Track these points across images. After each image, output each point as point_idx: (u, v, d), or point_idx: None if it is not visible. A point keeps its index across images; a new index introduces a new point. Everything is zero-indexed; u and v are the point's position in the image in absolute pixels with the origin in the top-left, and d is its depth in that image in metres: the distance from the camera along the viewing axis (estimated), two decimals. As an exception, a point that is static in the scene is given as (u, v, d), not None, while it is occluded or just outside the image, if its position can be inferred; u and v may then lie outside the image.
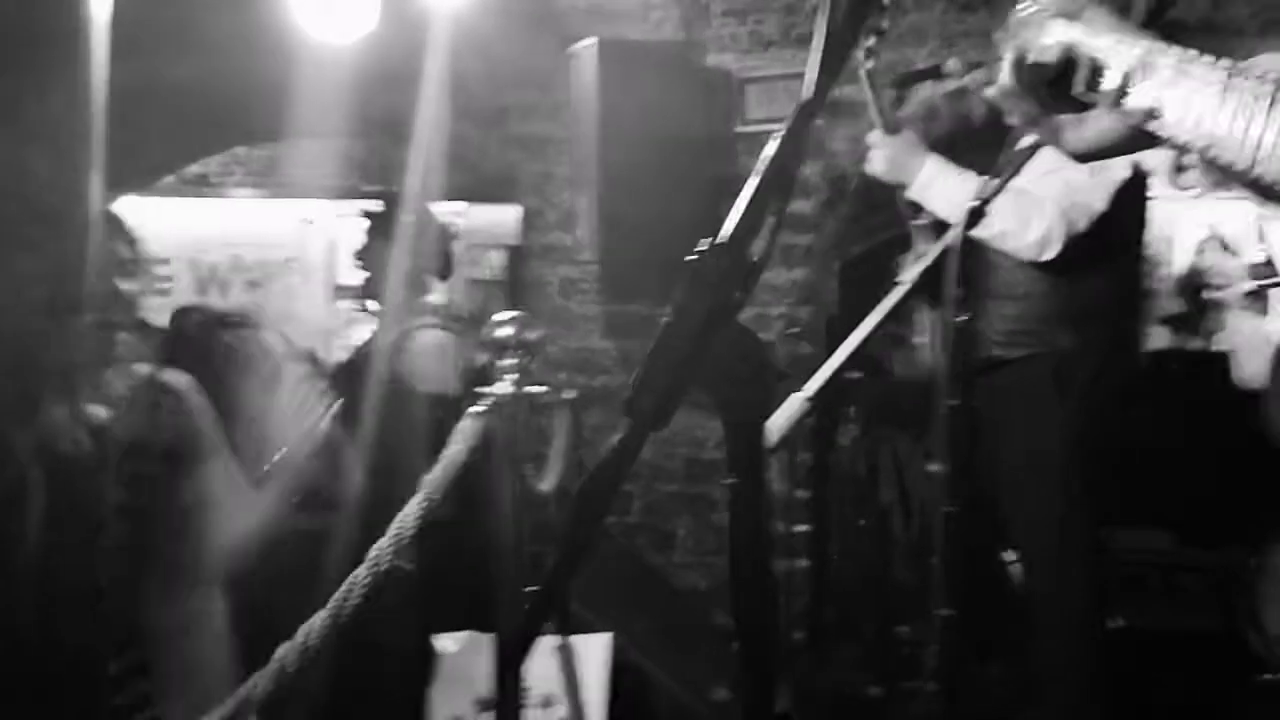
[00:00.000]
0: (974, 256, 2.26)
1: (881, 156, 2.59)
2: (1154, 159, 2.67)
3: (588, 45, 3.59)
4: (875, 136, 2.61)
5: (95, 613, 1.72)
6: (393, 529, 1.82)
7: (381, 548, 1.76)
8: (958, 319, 1.93)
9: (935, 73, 3.34)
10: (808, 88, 0.83)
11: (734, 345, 0.88)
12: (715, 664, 3.14)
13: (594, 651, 2.40)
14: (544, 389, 2.26)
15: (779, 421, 1.87)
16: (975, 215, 2.02)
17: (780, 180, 0.86)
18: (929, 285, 2.52)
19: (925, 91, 3.67)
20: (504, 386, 2.18)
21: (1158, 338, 3.71)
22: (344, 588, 1.70)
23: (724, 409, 0.89)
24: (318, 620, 1.65)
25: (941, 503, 2.12)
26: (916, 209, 2.65)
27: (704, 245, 0.87)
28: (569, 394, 3.63)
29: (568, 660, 1.06)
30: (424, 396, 2.99)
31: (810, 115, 0.85)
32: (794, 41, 3.69)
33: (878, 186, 3.41)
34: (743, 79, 3.76)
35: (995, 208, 2.29)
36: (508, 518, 2.07)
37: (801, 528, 3.60)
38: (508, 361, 2.20)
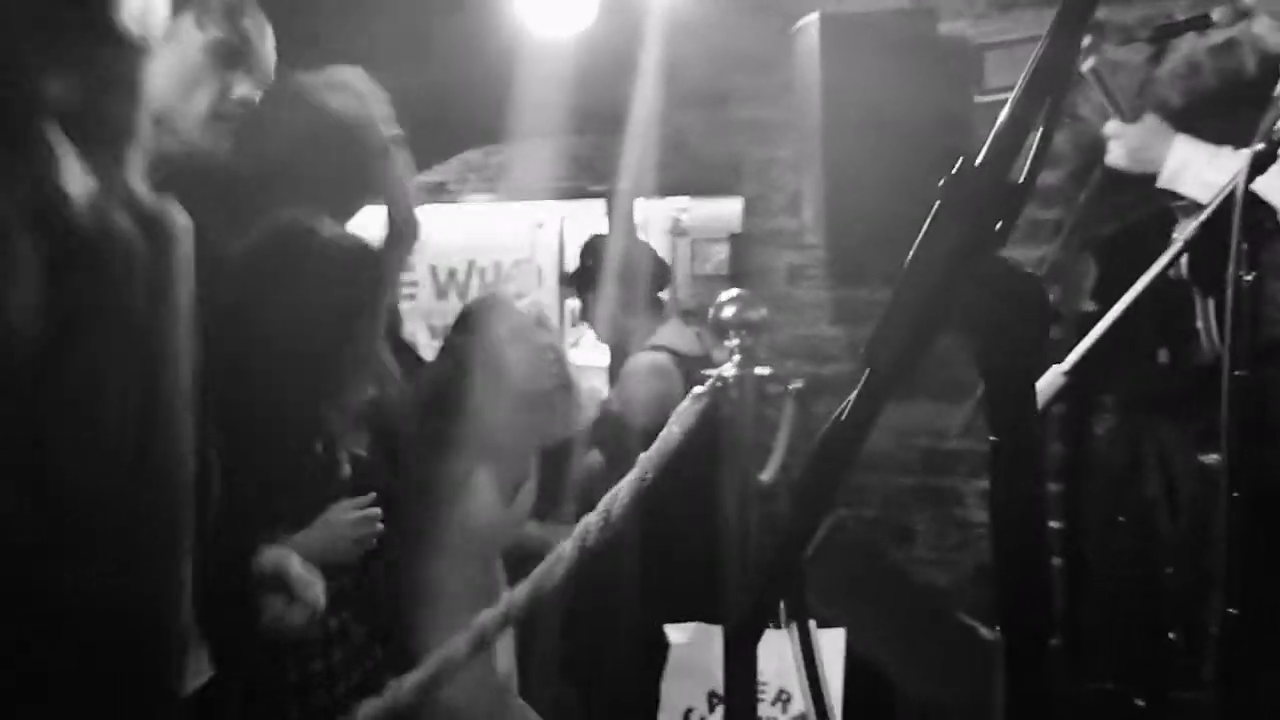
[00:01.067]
0: (1256, 211, 2.00)
1: (1121, 147, 2.34)
2: None
3: (809, 21, 3.46)
4: (1113, 126, 2.35)
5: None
6: (601, 507, 1.78)
7: (589, 523, 1.73)
8: (1244, 276, 1.71)
9: (1199, 23, 3.02)
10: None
11: (995, 282, 0.75)
12: (956, 663, 2.96)
13: (829, 646, 2.28)
14: (769, 370, 2.17)
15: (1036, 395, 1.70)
16: (1262, 160, 1.78)
17: (1049, 86, 0.73)
18: (1204, 258, 2.26)
19: (1186, 46, 3.34)
20: (728, 368, 2.10)
21: None
22: (549, 561, 1.67)
23: (983, 357, 0.77)
24: (520, 591, 1.63)
25: (1223, 493, 1.89)
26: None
27: (957, 166, 0.75)
28: (796, 383, 3.52)
29: (806, 655, 0.96)
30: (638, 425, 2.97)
31: (1088, 6, 0.72)
32: (1038, 1, 3.43)
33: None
34: (980, 45, 3.53)
35: (1265, 183, 2.02)
36: (732, 502, 1.99)
37: (1054, 524, 3.35)
38: (731, 342, 2.12)
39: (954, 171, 0.74)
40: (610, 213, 6.34)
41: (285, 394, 1.68)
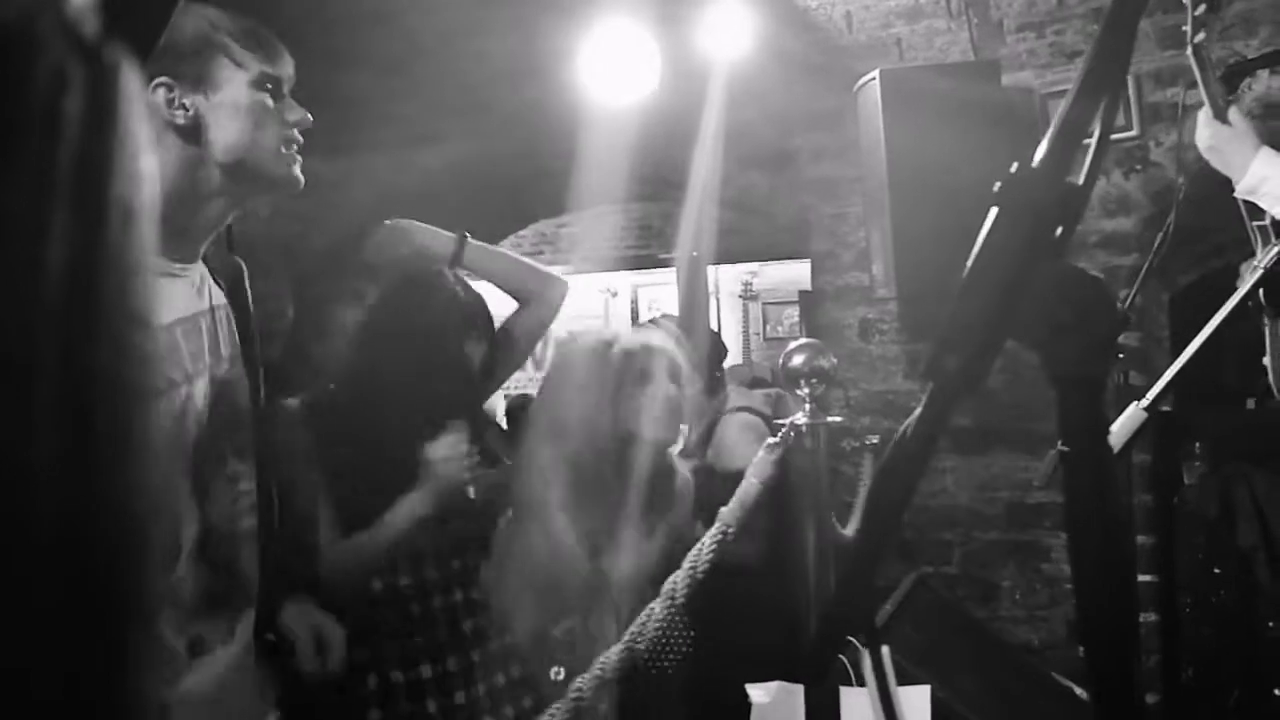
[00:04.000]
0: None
1: (1206, 136, 2.27)
2: None
3: (870, 78, 3.48)
4: (1203, 114, 2.29)
5: None
6: (687, 563, 1.75)
7: (676, 580, 1.70)
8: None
9: (1273, 60, 2.98)
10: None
11: (1059, 287, 0.74)
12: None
13: (914, 704, 2.21)
14: (841, 419, 2.15)
15: (1117, 433, 1.66)
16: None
17: (1104, 85, 0.72)
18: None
19: (1261, 86, 3.28)
20: (800, 416, 2.08)
21: None
22: (639, 621, 1.65)
23: (1050, 363, 0.75)
24: (614, 653, 1.60)
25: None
26: (1256, 208, 2.32)
27: (1014, 170, 0.74)
28: (872, 438, 3.46)
29: (880, 684, 0.93)
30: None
31: (1138, 6, 0.71)
32: (1100, 47, 3.41)
33: (1207, 202, 3.06)
34: (1046, 94, 3.51)
35: None
36: (810, 553, 1.95)
37: (1146, 577, 3.23)
38: (803, 391, 2.10)
39: (1011, 175, 0.74)
40: (679, 280, 6.38)
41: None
